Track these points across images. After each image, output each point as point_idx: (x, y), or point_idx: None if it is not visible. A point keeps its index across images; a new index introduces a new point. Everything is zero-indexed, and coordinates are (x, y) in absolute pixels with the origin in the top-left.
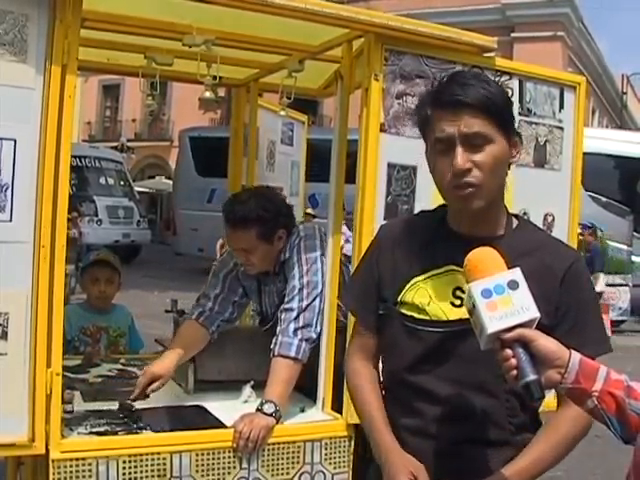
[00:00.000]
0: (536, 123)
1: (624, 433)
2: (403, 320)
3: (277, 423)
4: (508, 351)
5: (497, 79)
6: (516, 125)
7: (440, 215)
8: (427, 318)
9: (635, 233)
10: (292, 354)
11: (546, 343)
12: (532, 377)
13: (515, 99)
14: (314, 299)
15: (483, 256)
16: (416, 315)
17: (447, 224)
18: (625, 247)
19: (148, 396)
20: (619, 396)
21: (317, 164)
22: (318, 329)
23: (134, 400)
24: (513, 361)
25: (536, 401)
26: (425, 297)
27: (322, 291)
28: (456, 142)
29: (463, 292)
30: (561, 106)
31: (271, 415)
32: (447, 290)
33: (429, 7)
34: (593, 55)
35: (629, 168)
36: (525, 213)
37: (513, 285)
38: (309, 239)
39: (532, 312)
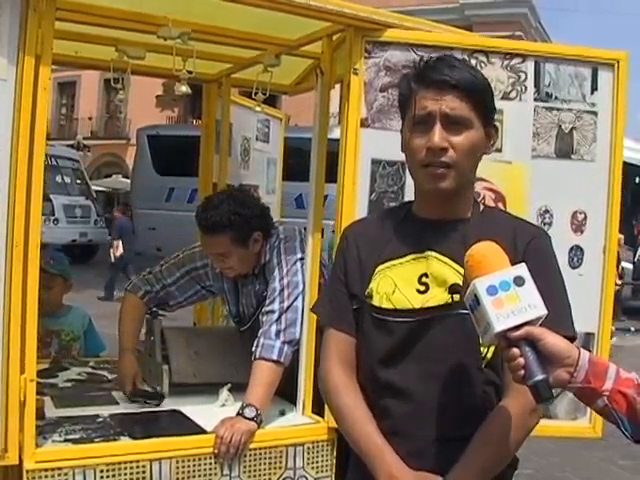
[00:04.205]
0: (558, 109)
1: (635, 433)
2: (371, 311)
3: (258, 427)
4: (515, 350)
5: (506, 63)
6: (532, 111)
7: (406, 207)
8: (392, 307)
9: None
10: (274, 357)
11: (554, 341)
12: (540, 376)
13: (530, 83)
14: (295, 299)
15: (486, 251)
16: (383, 305)
17: (413, 213)
18: None
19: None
20: (630, 395)
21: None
22: (300, 329)
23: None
24: (521, 360)
25: (544, 401)
26: (390, 285)
27: (303, 291)
28: (436, 120)
29: (428, 277)
30: (594, 88)
31: (252, 419)
32: (412, 277)
33: (387, 6)
34: None
35: None
36: (547, 211)
37: (519, 281)
38: (289, 241)
39: (540, 309)
